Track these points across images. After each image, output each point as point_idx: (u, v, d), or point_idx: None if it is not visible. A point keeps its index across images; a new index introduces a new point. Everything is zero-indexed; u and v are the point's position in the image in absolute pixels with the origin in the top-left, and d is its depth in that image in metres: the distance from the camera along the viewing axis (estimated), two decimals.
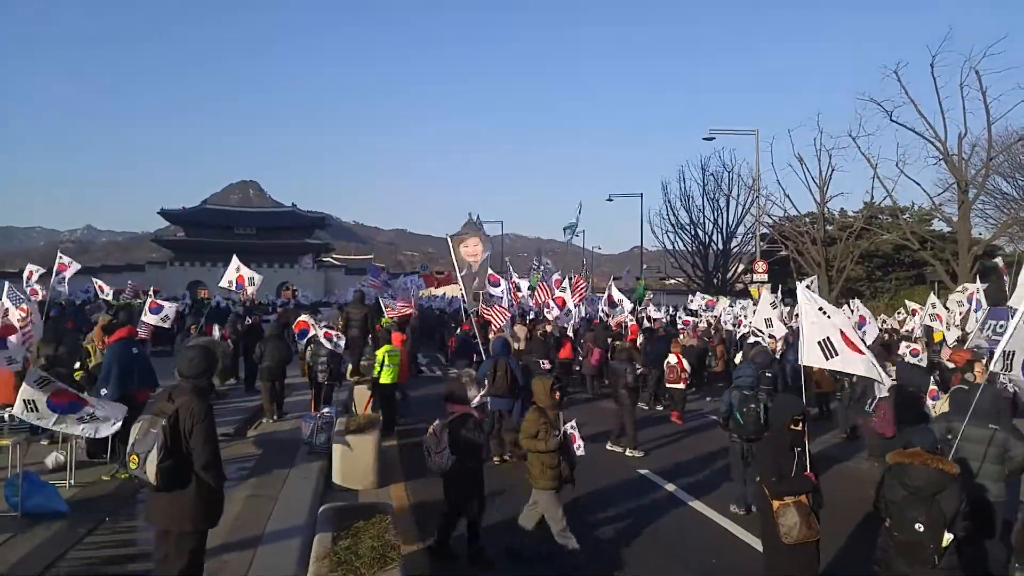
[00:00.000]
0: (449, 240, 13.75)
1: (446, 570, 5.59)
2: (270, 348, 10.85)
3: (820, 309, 6.71)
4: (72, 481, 6.95)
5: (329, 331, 11.03)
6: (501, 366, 9.02)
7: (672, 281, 49.56)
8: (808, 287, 7.29)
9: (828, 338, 6.69)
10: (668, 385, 12.45)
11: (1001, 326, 10.93)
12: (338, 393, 11.32)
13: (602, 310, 19.15)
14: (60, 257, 13.67)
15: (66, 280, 14.72)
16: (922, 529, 3.90)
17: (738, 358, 12.80)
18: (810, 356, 6.70)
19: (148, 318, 11.41)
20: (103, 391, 7.14)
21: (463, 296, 14.67)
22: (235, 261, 13.97)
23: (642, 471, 8.85)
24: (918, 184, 54.01)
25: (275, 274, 62.55)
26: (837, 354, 6.66)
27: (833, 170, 31.94)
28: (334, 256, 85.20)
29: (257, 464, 8.16)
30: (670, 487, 8.17)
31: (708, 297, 27.98)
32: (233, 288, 13.87)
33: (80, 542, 5.61)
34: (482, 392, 8.67)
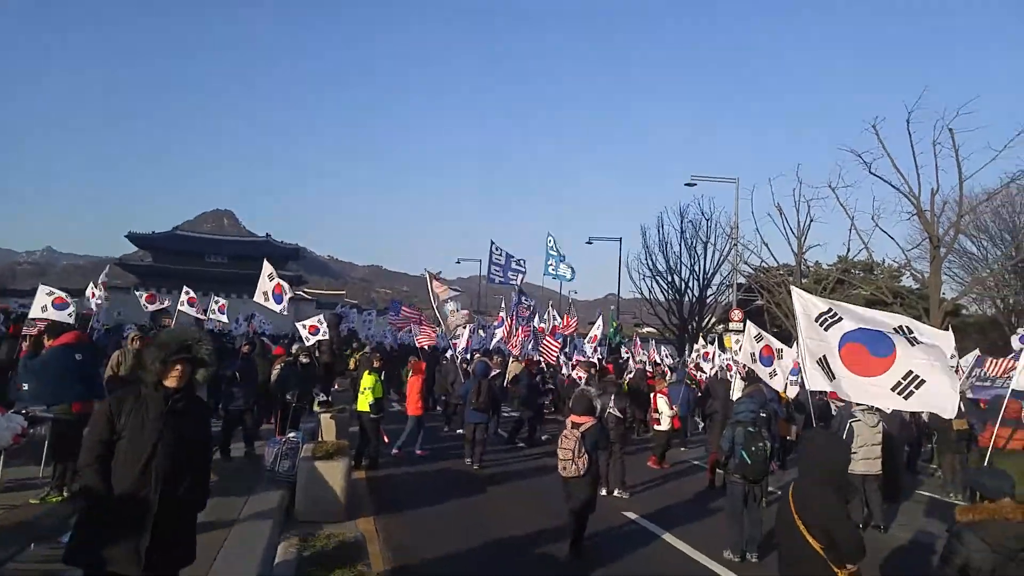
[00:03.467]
0: (427, 273, 13.93)
1: None
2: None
3: (821, 318, 5.88)
4: None
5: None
6: (484, 386, 10.52)
7: (647, 328, 49.34)
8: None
9: (824, 357, 5.87)
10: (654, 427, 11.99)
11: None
12: (305, 421, 10.58)
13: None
14: (96, 285, 14.45)
15: (98, 301, 14.66)
16: None
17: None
18: (812, 379, 5.96)
19: (50, 313, 10.90)
20: (25, 386, 6.53)
21: (446, 330, 14.20)
22: (267, 267, 12.12)
23: (630, 515, 8.28)
24: (892, 238, 54.49)
25: (244, 305, 60.95)
26: (835, 377, 5.80)
27: (812, 220, 32.41)
28: (304, 289, 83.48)
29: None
30: (660, 532, 7.60)
31: (667, 350, 27.98)
32: (271, 301, 11.85)
33: None
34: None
